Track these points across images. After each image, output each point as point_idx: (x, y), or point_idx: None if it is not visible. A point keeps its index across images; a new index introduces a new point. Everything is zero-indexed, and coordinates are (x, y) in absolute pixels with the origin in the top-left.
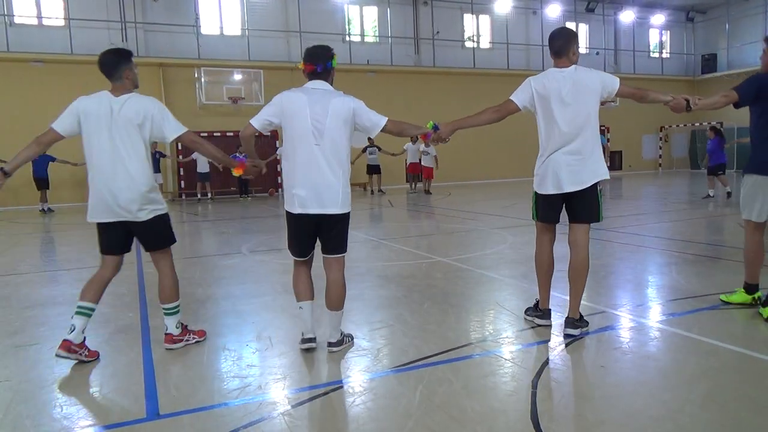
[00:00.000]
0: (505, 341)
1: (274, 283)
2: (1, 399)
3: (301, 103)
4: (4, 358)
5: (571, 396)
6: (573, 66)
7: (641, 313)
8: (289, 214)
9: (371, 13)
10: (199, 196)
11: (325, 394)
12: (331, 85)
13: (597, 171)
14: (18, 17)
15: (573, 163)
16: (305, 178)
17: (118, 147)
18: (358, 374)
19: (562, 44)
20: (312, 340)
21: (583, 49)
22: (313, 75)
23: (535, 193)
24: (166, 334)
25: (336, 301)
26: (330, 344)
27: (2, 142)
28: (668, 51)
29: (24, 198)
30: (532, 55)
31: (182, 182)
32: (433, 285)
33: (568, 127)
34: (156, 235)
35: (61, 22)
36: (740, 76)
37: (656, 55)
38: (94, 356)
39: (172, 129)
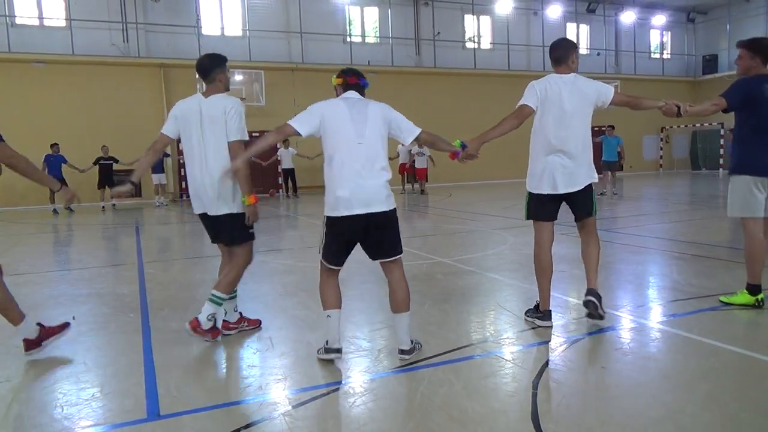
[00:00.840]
0: (505, 342)
1: (275, 284)
2: (2, 399)
3: (340, 111)
4: (5, 358)
5: (571, 397)
6: (573, 74)
7: (642, 314)
8: (330, 219)
9: (372, 13)
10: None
11: (326, 394)
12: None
13: (590, 174)
14: (19, 18)
15: (568, 166)
16: (348, 179)
17: (204, 145)
18: (359, 375)
19: (561, 53)
20: (338, 350)
21: (583, 50)
22: (349, 87)
23: (529, 193)
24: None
25: (403, 303)
26: (402, 352)
27: None
28: (669, 52)
29: (32, 198)
30: (533, 55)
31: (183, 183)
32: (433, 286)
33: (566, 131)
34: (228, 231)
35: (63, 23)
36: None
37: (657, 55)
38: (256, 324)
39: (231, 132)
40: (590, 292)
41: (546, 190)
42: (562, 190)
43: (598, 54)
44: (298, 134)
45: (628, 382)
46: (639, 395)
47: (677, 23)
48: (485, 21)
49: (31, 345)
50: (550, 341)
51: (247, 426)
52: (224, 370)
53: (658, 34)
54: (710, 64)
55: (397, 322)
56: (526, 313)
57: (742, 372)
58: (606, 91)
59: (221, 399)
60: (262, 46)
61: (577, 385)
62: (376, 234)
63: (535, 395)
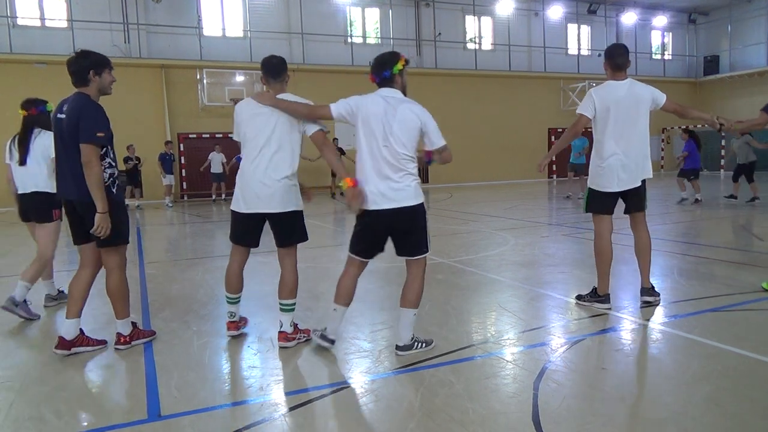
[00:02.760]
0: (506, 343)
1: (275, 285)
2: (3, 400)
3: (374, 106)
4: (6, 358)
5: (572, 398)
6: (629, 79)
7: (643, 315)
8: (363, 212)
9: (373, 14)
10: (213, 197)
11: (327, 395)
12: (403, 91)
13: (646, 171)
14: (21, 19)
15: (628, 165)
16: (374, 175)
17: (270, 143)
18: (360, 376)
19: (624, 60)
20: (332, 342)
21: (585, 50)
22: (381, 83)
23: (590, 189)
24: (280, 331)
25: (409, 300)
26: (398, 347)
27: (4, 143)
28: (670, 53)
29: None
30: (534, 56)
31: (184, 183)
32: (434, 286)
33: (626, 134)
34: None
35: (64, 24)
36: (742, 77)
37: (658, 56)
38: (308, 333)
39: (307, 128)
40: (645, 291)
41: (608, 189)
42: (622, 188)
43: (599, 55)
44: (330, 117)
45: (629, 383)
46: (640, 397)
47: (678, 24)
48: (486, 22)
49: (65, 345)
50: (550, 342)
51: (247, 427)
52: (225, 371)
53: (660, 35)
54: (711, 65)
55: (401, 316)
56: (578, 298)
57: (743, 373)
58: (659, 96)
59: (222, 400)
60: (263, 47)
61: (577, 387)
62: (402, 231)
63: (535, 396)
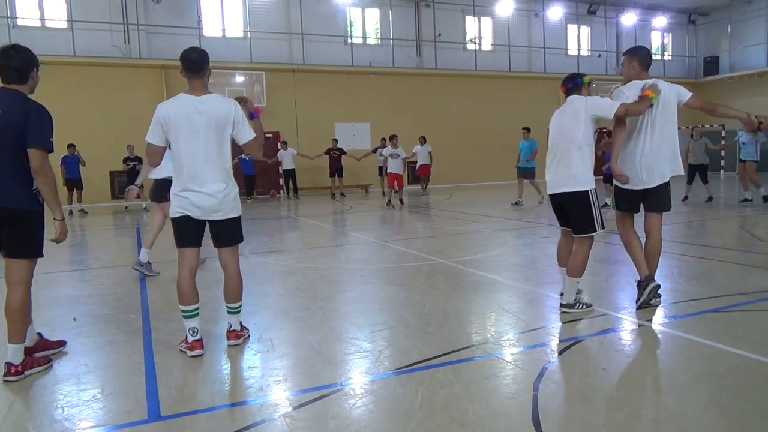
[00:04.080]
0: (506, 343)
1: (275, 285)
2: (3, 400)
3: (558, 112)
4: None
5: (572, 398)
6: (653, 79)
7: (643, 316)
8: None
9: (373, 15)
10: None
11: (327, 395)
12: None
13: (674, 169)
14: (21, 19)
15: (654, 165)
16: (548, 168)
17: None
18: (360, 376)
19: (651, 62)
20: (590, 305)
21: (584, 51)
22: (567, 94)
23: (616, 187)
24: (230, 331)
25: (573, 269)
26: (562, 305)
27: None
28: (670, 53)
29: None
30: (534, 57)
31: None
32: (434, 287)
33: (655, 132)
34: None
35: (64, 24)
36: (742, 78)
37: (658, 57)
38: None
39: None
40: (649, 278)
41: (632, 186)
42: (644, 186)
43: (599, 55)
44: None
45: (629, 384)
46: (640, 397)
47: (678, 25)
48: (486, 22)
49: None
50: (551, 343)
51: (247, 427)
52: (225, 372)
53: (659, 36)
54: (711, 65)
55: (567, 282)
56: (639, 286)
57: (743, 374)
58: (685, 93)
59: (222, 400)
60: (263, 48)
61: (578, 387)
62: (570, 212)
63: (536, 397)
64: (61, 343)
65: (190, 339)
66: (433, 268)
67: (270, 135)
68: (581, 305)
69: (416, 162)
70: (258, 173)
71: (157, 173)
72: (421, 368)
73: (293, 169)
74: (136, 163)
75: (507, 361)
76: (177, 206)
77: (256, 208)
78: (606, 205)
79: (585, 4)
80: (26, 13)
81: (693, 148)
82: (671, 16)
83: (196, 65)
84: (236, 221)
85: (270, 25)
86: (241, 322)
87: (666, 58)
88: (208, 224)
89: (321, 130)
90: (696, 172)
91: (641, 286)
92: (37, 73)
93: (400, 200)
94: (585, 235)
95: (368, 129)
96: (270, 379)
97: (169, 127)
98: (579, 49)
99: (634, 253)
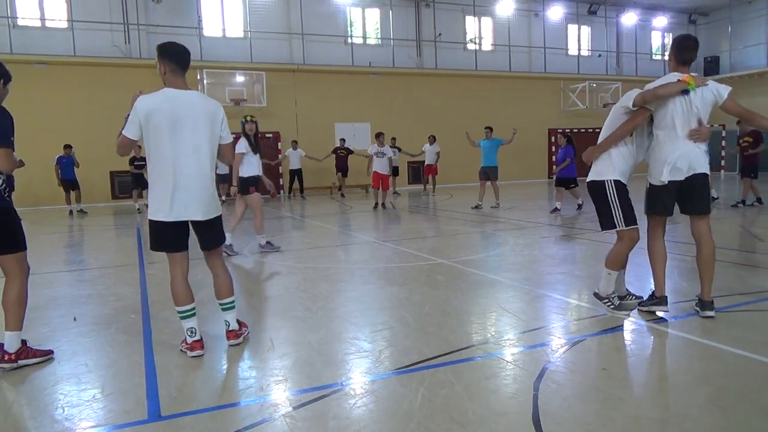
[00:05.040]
0: (506, 343)
1: (275, 285)
2: (3, 400)
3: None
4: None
5: (573, 399)
6: (691, 74)
7: (643, 316)
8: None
9: (373, 15)
10: (223, 198)
11: (327, 395)
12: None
13: (705, 164)
14: (21, 19)
15: (685, 164)
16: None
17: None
18: (360, 376)
19: (694, 55)
20: (640, 297)
21: (585, 51)
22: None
23: (651, 186)
24: (229, 331)
25: (607, 261)
26: (594, 293)
27: None
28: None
29: (46, 199)
30: (534, 57)
31: None
32: (434, 287)
33: (685, 131)
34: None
35: (64, 24)
36: (743, 78)
37: (658, 57)
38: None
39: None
40: (704, 304)
41: (665, 178)
42: (676, 178)
43: (599, 55)
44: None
45: (630, 384)
46: (640, 397)
47: (678, 25)
48: (486, 22)
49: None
50: (551, 343)
51: (247, 427)
52: (225, 372)
53: (660, 36)
54: (712, 65)
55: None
56: (640, 305)
57: (744, 374)
58: (723, 91)
59: (222, 400)
60: (263, 48)
61: (578, 387)
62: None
63: (536, 397)
64: (47, 353)
65: (190, 340)
66: (433, 268)
67: (270, 135)
68: (610, 302)
69: (424, 161)
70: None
71: (246, 171)
72: (421, 368)
73: (300, 170)
74: (142, 164)
75: (507, 361)
76: (162, 210)
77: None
78: (556, 209)
79: (585, 4)
80: (26, 13)
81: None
82: (671, 16)
83: (186, 59)
84: (218, 220)
85: (270, 25)
86: (238, 319)
87: (666, 58)
88: (191, 225)
89: (321, 130)
90: None
91: (654, 299)
92: (5, 86)
93: (383, 204)
94: (610, 230)
95: (368, 129)
96: (270, 379)
97: (155, 123)
98: (579, 49)
99: (657, 267)
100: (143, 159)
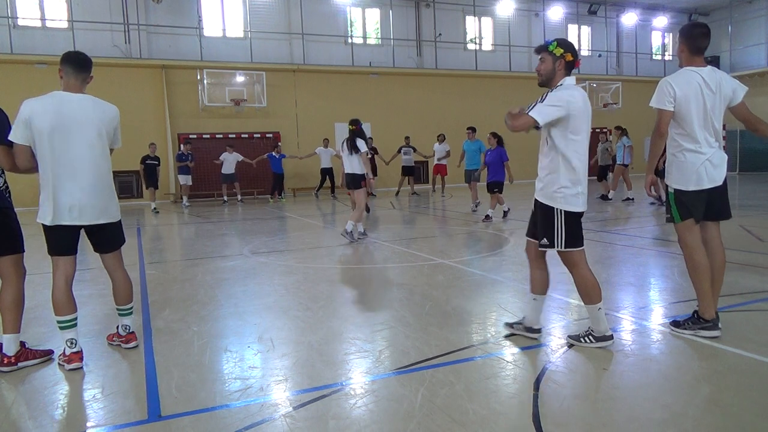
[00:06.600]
0: (506, 343)
1: (276, 285)
2: (3, 400)
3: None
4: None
5: (573, 398)
6: (710, 66)
7: (643, 316)
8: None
9: (373, 15)
10: (225, 198)
11: (327, 395)
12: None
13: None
14: (21, 19)
15: (716, 164)
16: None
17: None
18: (360, 376)
19: (707, 42)
20: (538, 331)
21: (585, 51)
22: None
23: (676, 191)
24: (129, 333)
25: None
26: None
27: None
28: (671, 53)
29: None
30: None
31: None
32: (434, 287)
33: (715, 125)
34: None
35: (65, 24)
36: (743, 78)
37: (659, 57)
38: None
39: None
40: (710, 323)
41: (700, 186)
42: (712, 184)
43: (600, 55)
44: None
45: (630, 384)
46: (640, 397)
47: (679, 25)
48: (486, 22)
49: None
50: (551, 343)
51: (247, 427)
52: (225, 371)
53: (660, 36)
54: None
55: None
56: (675, 325)
57: (744, 374)
58: (741, 91)
59: (222, 400)
60: (263, 48)
61: (578, 387)
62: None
63: (536, 397)
64: (47, 353)
65: (68, 351)
66: (433, 268)
67: (270, 135)
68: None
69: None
70: (261, 174)
71: (349, 168)
72: (421, 368)
73: (331, 168)
74: (156, 163)
75: (507, 361)
76: (51, 212)
77: (256, 208)
78: (474, 211)
79: (585, 4)
80: (27, 13)
81: (601, 151)
82: (672, 16)
83: (81, 63)
84: (118, 225)
85: (270, 25)
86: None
87: (666, 58)
88: (83, 230)
89: (321, 130)
90: (605, 171)
91: (684, 325)
92: None
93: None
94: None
95: (368, 129)
96: (270, 379)
97: (38, 126)
98: (579, 49)
99: (704, 284)
100: (156, 158)
